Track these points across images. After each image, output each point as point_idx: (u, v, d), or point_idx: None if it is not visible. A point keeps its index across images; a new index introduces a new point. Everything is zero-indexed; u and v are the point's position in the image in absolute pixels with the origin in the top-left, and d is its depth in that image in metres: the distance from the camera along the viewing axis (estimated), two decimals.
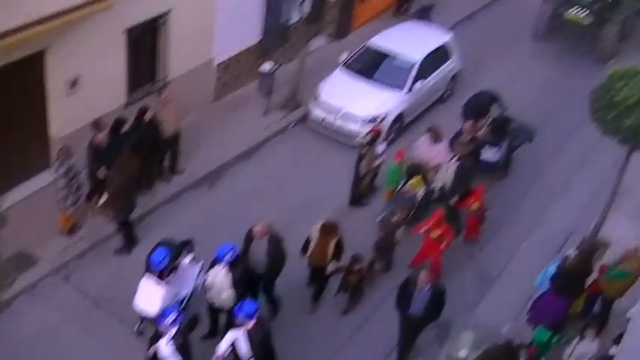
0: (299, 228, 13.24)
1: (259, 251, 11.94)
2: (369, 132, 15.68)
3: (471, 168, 15.02)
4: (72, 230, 13.58)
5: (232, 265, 11.25)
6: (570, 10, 23.09)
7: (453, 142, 15.49)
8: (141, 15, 14.53)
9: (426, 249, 13.95)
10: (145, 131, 13.92)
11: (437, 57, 18.98)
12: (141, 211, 14.12)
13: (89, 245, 13.53)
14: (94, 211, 13.64)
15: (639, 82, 12.69)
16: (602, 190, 15.94)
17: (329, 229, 12.35)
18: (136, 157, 13.20)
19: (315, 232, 12.44)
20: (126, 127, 13.71)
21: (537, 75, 21.83)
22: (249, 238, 12.05)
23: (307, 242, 12.60)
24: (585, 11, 22.85)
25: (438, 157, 15.24)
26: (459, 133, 15.84)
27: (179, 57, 15.82)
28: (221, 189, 15.75)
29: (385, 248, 13.80)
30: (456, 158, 14.81)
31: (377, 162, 15.50)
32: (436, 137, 15.41)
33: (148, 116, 13.90)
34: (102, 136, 13.23)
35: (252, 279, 11.95)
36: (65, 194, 13.01)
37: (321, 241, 12.39)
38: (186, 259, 11.79)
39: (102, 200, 13.13)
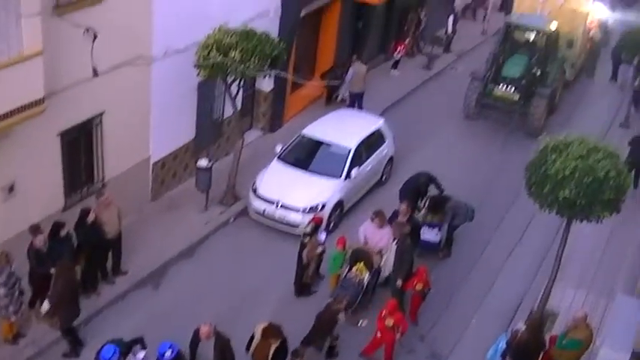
0: (246, 322, 14.06)
1: (207, 352, 12.36)
2: (310, 221, 16.46)
3: (410, 248, 15.87)
4: (16, 338, 13.94)
5: None
6: (498, 87, 24.76)
7: (390, 225, 16.33)
8: (74, 118, 15.28)
9: (380, 337, 14.60)
10: (87, 233, 14.47)
11: (371, 142, 20.27)
12: (86, 314, 14.62)
13: (35, 352, 14.01)
14: (37, 317, 13.94)
15: (572, 153, 13.83)
16: (546, 262, 17.10)
17: (271, 333, 12.94)
18: (77, 261, 13.65)
19: (258, 332, 13.04)
20: (65, 230, 14.13)
21: (471, 153, 23.44)
22: (195, 340, 12.65)
23: (251, 339, 13.18)
24: (513, 87, 24.51)
25: (383, 241, 16.06)
26: (394, 215, 16.72)
27: (116, 157, 16.60)
28: (166, 288, 16.34)
29: (323, 331, 14.23)
30: (395, 240, 15.63)
31: (319, 250, 16.27)
32: (382, 222, 16.24)
33: (90, 218, 14.43)
34: (41, 241, 13.67)
35: None
36: (7, 302, 13.44)
37: (263, 343, 12.97)
38: (140, 355, 12.19)
39: (44, 308, 13.42)
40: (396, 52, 28.21)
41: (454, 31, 31.71)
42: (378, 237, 16.28)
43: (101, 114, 15.86)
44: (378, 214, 16.43)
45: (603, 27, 33.37)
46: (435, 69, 29.47)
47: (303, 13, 21.75)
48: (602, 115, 27.51)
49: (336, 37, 24.86)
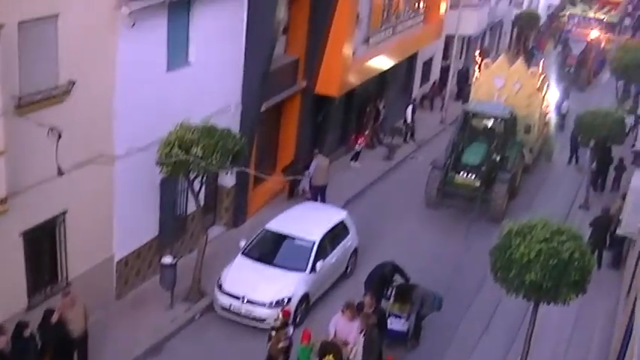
0: None
1: None
2: (277, 315, 16.57)
3: (378, 339, 16.05)
4: None
5: None
6: (459, 175, 25.42)
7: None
8: (37, 217, 15.42)
9: None
10: (52, 333, 14.45)
11: (335, 235, 20.58)
12: None
13: None
14: None
15: (535, 237, 14.26)
16: (516, 344, 17.35)
17: None
18: None
19: None
20: (29, 331, 14.13)
21: (435, 241, 23.88)
22: None
23: None
24: (473, 174, 25.19)
25: (353, 334, 16.20)
26: (359, 306, 16.88)
27: (79, 256, 16.73)
28: None
29: None
30: (362, 332, 15.78)
31: (282, 344, 16.30)
32: (352, 314, 16.41)
33: (54, 318, 14.46)
34: (3, 342, 13.67)
35: None
36: None
37: None
38: None
39: None
40: (356, 145, 28.91)
41: (413, 121, 32.67)
42: (348, 330, 16.32)
43: (64, 213, 16.03)
44: (348, 307, 16.49)
45: (558, 111, 34.74)
46: (395, 159, 30.23)
47: (263, 108, 22.37)
48: (562, 197, 28.40)
49: (297, 131, 25.51)
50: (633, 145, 29.06)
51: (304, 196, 24.82)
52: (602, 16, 57.02)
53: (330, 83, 25.31)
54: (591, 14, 57.68)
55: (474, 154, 25.95)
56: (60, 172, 15.16)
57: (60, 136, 14.75)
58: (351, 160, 28.98)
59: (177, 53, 18.57)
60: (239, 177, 21.72)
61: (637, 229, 19.49)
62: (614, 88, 41.01)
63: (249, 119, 21.65)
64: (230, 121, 20.32)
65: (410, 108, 32.91)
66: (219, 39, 20.01)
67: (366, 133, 30.05)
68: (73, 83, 15.08)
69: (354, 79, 26.92)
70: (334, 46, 24.68)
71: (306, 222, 20.60)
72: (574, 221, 23.52)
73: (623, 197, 22.49)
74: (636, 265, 18.71)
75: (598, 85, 49.97)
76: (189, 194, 18.90)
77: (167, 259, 18.26)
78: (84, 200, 16.42)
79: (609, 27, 60.17)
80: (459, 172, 25.75)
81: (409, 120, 32.59)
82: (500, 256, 14.51)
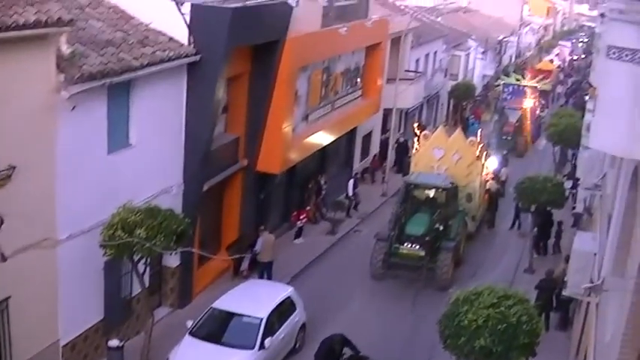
0: None
1: None
2: None
3: None
4: None
5: None
6: (403, 246, 26.02)
7: None
8: None
9: None
10: None
11: (282, 311, 20.90)
12: None
13: None
14: None
15: (483, 303, 14.84)
16: None
17: None
18: None
19: None
20: None
21: (383, 313, 24.28)
22: None
23: None
24: (418, 244, 25.82)
25: None
26: None
27: (24, 341, 16.72)
28: None
29: None
30: None
31: None
32: None
33: None
34: None
35: None
36: None
37: None
38: None
39: None
40: (298, 221, 29.38)
41: (355, 194, 33.40)
42: None
43: (7, 299, 16.07)
44: None
45: (498, 179, 35.85)
46: (339, 233, 30.76)
47: (206, 187, 22.82)
48: (506, 263, 29.20)
49: (240, 209, 25.96)
50: (573, 208, 30.21)
51: (244, 275, 25.06)
52: (535, 84, 59.05)
53: (271, 161, 25.91)
54: (525, 83, 59.72)
55: (417, 225, 26.63)
56: (3, 259, 15.32)
57: (2, 222, 14.96)
58: (295, 237, 29.39)
59: (118, 135, 19.02)
60: (183, 257, 22.01)
61: (582, 290, 20.18)
62: (552, 154, 42.41)
63: (191, 199, 22.06)
64: (173, 201, 20.74)
65: (352, 182, 33.69)
66: (160, 120, 20.55)
67: (308, 208, 30.56)
68: (14, 168, 15.31)
69: (294, 156, 27.56)
70: (274, 124, 25.35)
71: (253, 299, 20.87)
72: (520, 285, 24.10)
73: (567, 259, 23.25)
74: (583, 325, 19.34)
75: (536, 151, 51.58)
76: (134, 276, 19.11)
77: (114, 342, 18.36)
78: (28, 285, 16.47)
79: (543, 95, 62.44)
80: (404, 243, 26.34)
81: (351, 193, 33.33)
82: (449, 323, 14.92)
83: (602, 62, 12.20)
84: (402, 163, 39.17)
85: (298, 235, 29.42)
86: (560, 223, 30.48)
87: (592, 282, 16.40)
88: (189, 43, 20.80)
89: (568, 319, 23.88)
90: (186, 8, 20.69)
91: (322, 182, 32.10)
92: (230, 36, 20.95)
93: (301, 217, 29.37)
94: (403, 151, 40.23)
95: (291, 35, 24.77)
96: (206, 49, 20.86)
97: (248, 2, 22.51)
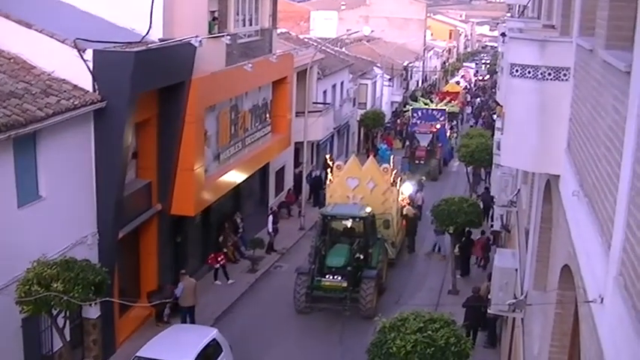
0: None
1: None
2: None
3: None
4: None
5: None
6: (325, 278, 26.27)
7: None
8: None
9: None
10: None
11: (208, 354, 20.90)
12: None
13: None
14: None
15: (409, 328, 15.15)
16: None
17: None
18: None
19: None
20: None
21: (310, 348, 24.44)
22: None
23: None
24: (339, 276, 26.12)
25: None
26: None
27: None
28: None
29: None
30: None
31: None
32: None
33: None
34: None
35: None
36: None
37: None
38: None
39: None
40: (215, 263, 29.25)
41: (274, 230, 33.54)
42: None
43: None
44: None
45: (414, 203, 36.53)
46: (260, 270, 30.83)
47: (121, 235, 22.68)
48: (430, 286, 29.74)
49: (158, 254, 25.83)
50: (492, 226, 31.02)
51: (167, 321, 24.89)
52: (443, 107, 60.43)
53: (185, 203, 25.88)
54: (433, 106, 61.07)
55: (337, 256, 26.91)
56: None
57: None
58: (215, 279, 29.30)
59: (27, 188, 18.81)
60: (104, 307, 21.76)
61: (507, 307, 20.72)
62: (465, 174, 43.41)
63: (107, 248, 21.89)
64: (89, 251, 20.54)
65: (270, 218, 33.85)
66: (70, 169, 20.38)
67: (225, 251, 30.44)
68: None
69: (208, 197, 27.59)
70: (185, 166, 25.38)
71: (178, 344, 20.76)
72: (445, 308, 24.66)
73: (490, 277, 23.85)
74: (511, 341, 19.85)
75: (449, 173, 52.73)
76: (54, 331, 18.83)
77: None
78: None
79: (452, 117, 63.98)
80: (325, 276, 26.60)
81: (270, 229, 33.48)
82: (378, 352, 15.11)
83: (507, 80, 12.74)
84: (318, 196, 39.54)
85: (218, 277, 29.26)
86: (488, 240, 31.34)
87: (515, 298, 16.90)
88: (94, 90, 20.77)
89: (496, 336, 24.46)
90: (89, 54, 20.67)
91: (239, 221, 32.17)
92: (135, 80, 20.99)
93: (219, 259, 29.22)
94: (317, 184, 40.60)
95: (196, 76, 24.94)
96: (111, 95, 20.83)
97: (151, 45, 22.61)
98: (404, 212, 34.08)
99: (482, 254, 31.56)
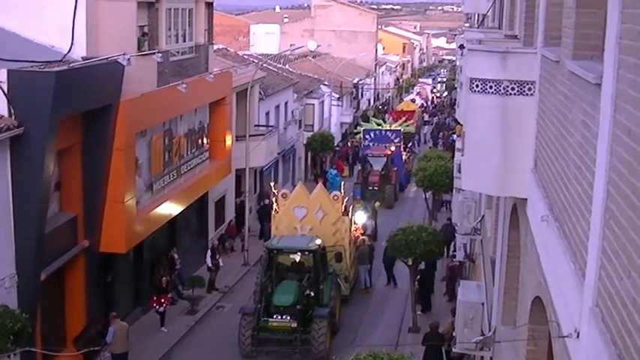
0: None
1: None
2: None
3: None
4: None
5: None
6: (272, 318, 26.16)
7: None
8: None
9: None
10: None
11: None
12: None
13: None
14: None
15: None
16: None
17: None
18: None
19: None
20: None
21: None
22: None
23: None
24: (288, 315, 26.06)
25: None
26: None
27: None
28: None
29: None
30: None
31: None
32: None
33: None
34: None
35: None
36: None
37: None
38: None
39: None
40: (159, 307, 28.78)
41: (215, 266, 33.31)
42: None
43: None
44: None
45: (369, 233, 36.60)
46: (200, 312, 30.59)
47: (43, 276, 22.32)
48: (388, 323, 29.76)
49: (85, 296, 25.47)
50: (454, 256, 31.17)
51: None
52: (398, 128, 60.86)
53: (115, 239, 25.61)
54: (387, 127, 61.49)
55: (285, 294, 26.81)
56: None
57: None
58: (161, 325, 28.90)
59: None
60: (24, 358, 21.38)
61: (473, 345, 20.78)
62: (424, 200, 43.67)
63: (28, 291, 21.50)
64: (7, 296, 20.17)
65: (209, 253, 33.63)
66: None
67: (169, 294, 29.98)
68: None
69: (141, 231, 27.36)
70: (114, 198, 25.13)
71: None
72: (406, 347, 24.72)
73: (453, 312, 23.93)
74: None
75: (406, 199, 53.03)
76: None
77: None
78: None
79: (408, 138, 64.44)
80: (272, 316, 26.47)
81: (210, 264, 33.25)
82: None
83: (466, 96, 12.84)
84: (263, 228, 39.45)
85: (161, 321, 28.81)
86: (452, 269, 31.49)
87: (483, 334, 16.96)
88: (10, 115, 20.49)
89: None
90: (3, 75, 20.42)
91: (176, 257, 31.91)
92: (55, 103, 20.76)
93: (162, 301, 28.81)
94: (263, 215, 40.45)
95: (124, 98, 24.78)
96: (30, 120, 20.56)
97: (73, 64, 22.45)
98: (359, 243, 34.16)
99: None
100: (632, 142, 5.49)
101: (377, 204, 45.01)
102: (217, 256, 33.93)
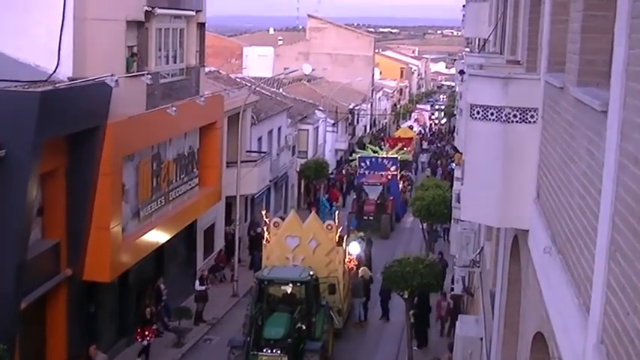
0: None
1: None
2: None
3: None
4: None
5: None
6: (262, 352, 26.09)
7: None
8: None
9: None
10: None
11: None
12: None
13: None
14: None
15: None
16: None
17: None
18: None
19: None
20: None
21: None
22: None
23: None
24: (279, 349, 25.94)
25: None
26: None
27: None
28: None
29: None
30: None
31: None
32: None
33: None
34: None
35: None
36: None
37: None
38: None
39: None
40: (143, 339, 28.64)
41: (203, 296, 33.17)
42: None
43: None
44: None
45: (363, 264, 36.48)
46: (187, 344, 30.43)
47: (23, 305, 22.24)
48: (383, 358, 29.64)
49: (66, 326, 25.35)
50: (452, 290, 31.10)
51: None
52: (395, 155, 60.91)
53: (99, 268, 25.52)
54: (383, 154, 61.53)
55: (276, 327, 26.69)
56: None
57: None
58: (139, 355, 28.73)
59: None
60: None
61: None
62: (421, 231, 43.60)
63: (7, 321, 21.42)
64: None
65: (197, 282, 33.51)
66: None
67: (154, 326, 29.86)
68: None
69: (127, 260, 27.28)
70: (99, 225, 25.06)
71: None
72: None
73: (450, 348, 23.87)
74: None
75: (403, 230, 52.98)
76: None
77: None
78: None
79: (405, 166, 64.47)
80: (262, 349, 26.31)
81: (199, 289, 33.09)
82: None
83: (466, 124, 12.83)
84: (254, 258, 39.33)
85: (145, 354, 28.67)
86: (440, 305, 31.45)
87: None
88: None
89: None
90: None
91: (162, 287, 31.78)
92: (40, 125, 20.77)
93: (146, 333, 28.68)
94: (254, 244, 40.34)
95: (112, 120, 24.79)
96: (12, 142, 20.56)
97: (59, 85, 22.47)
98: (361, 274, 34.12)
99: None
100: (639, 172, 5.49)
101: (362, 234, 44.43)
102: (206, 285, 33.78)
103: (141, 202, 28.71)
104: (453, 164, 49.35)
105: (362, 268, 34.95)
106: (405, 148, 67.92)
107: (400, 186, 57.57)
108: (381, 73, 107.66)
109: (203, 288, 33.23)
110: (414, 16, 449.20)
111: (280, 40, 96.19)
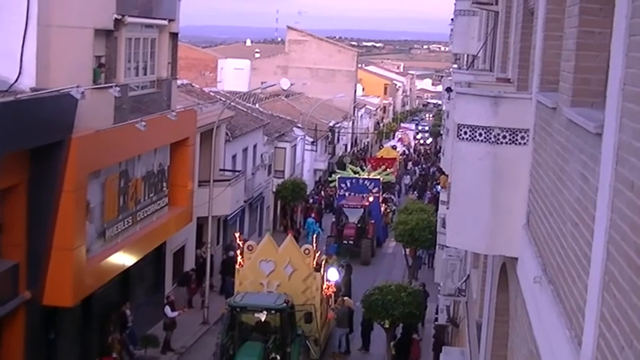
0: None
1: None
2: None
3: None
4: None
5: None
6: None
7: None
8: None
9: None
10: None
11: None
12: None
13: None
14: None
15: None
16: None
17: None
18: None
19: None
20: None
21: None
22: None
23: None
24: None
25: None
26: None
27: None
28: None
29: None
30: None
31: None
32: None
33: None
34: None
35: None
36: None
37: None
38: None
39: None
40: None
41: (173, 323, 33.00)
42: None
43: None
44: None
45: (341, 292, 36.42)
46: None
47: None
48: None
49: (24, 354, 25.13)
50: (436, 320, 31.11)
51: None
52: (377, 177, 60.97)
53: (60, 291, 25.34)
54: (365, 175, 61.59)
55: (248, 357, 26.62)
56: None
57: None
58: None
59: None
60: None
61: None
62: (403, 257, 43.61)
63: None
64: None
65: (167, 308, 33.33)
66: None
67: (114, 355, 29.75)
68: None
69: (90, 283, 27.09)
70: (62, 245, 24.90)
71: None
72: None
73: None
74: None
75: (384, 255, 52.95)
76: None
77: None
78: None
79: (388, 188, 64.49)
80: None
81: (170, 316, 32.93)
82: None
83: (453, 144, 12.85)
84: (226, 283, 39.19)
85: None
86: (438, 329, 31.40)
87: None
88: None
89: None
90: None
91: (127, 313, 31.61)
92: None
93: None
94: (226, 268, 40.18)
95: (77, 134, 24.69)
96: None
97: (21, 96, 22.38)
98: (346, 304, 34.07)
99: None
100: (636, 198, 5.49)
101: (341, 261, 44.41)
102: (180, 311, 33.60)
103: (106, 222, 28.55)
104: (439, 187, 49.48)
105: (345, 297, 34.91)
106: (388, 169, 68.00)
107: (382, 209, 57.52)
108: (363, 89, 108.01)
109: (176, 314, 33.05)
110: (399, 29, 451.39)
111: (257, 52, 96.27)
